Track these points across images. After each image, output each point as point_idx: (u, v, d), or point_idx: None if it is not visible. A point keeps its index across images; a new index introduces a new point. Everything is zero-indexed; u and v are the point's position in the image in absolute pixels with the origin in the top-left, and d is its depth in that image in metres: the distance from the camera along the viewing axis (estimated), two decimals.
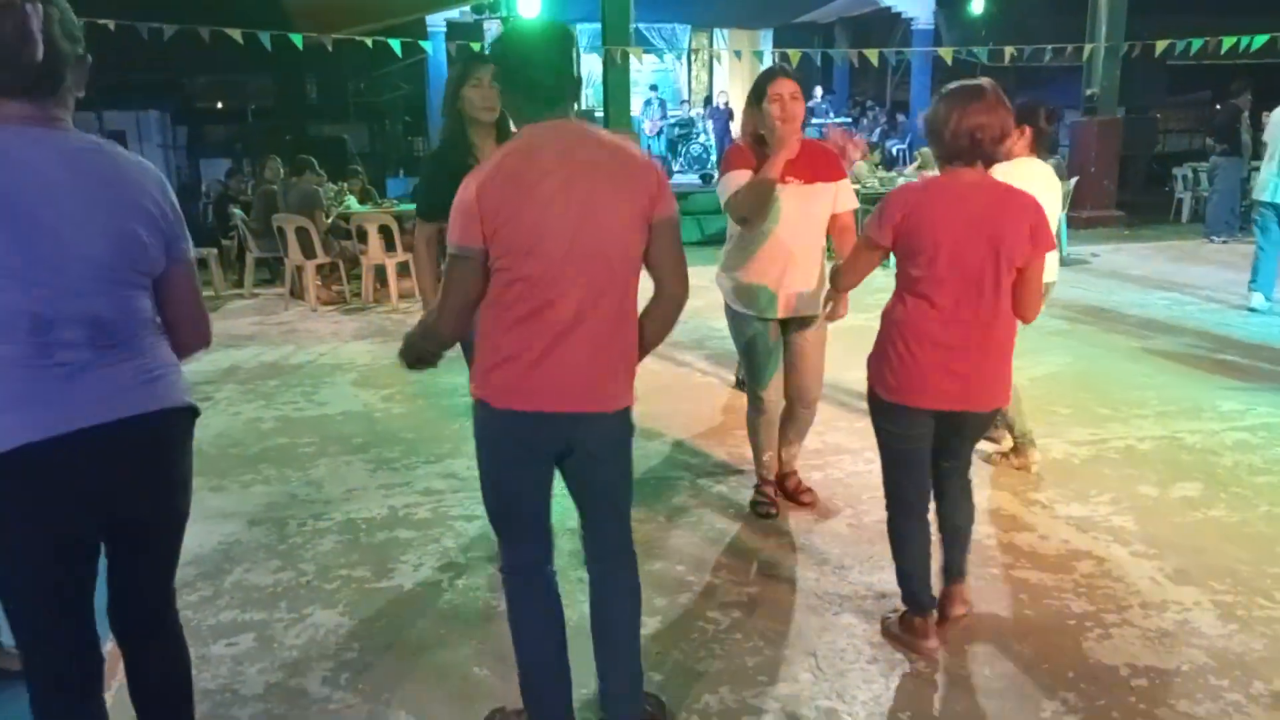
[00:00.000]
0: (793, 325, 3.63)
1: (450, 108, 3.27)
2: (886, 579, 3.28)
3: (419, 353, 2.32)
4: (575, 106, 2.19)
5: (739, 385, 5.57)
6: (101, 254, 1.77)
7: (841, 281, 2.94)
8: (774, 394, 3.69)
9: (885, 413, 2.74)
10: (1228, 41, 12.18)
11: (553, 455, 2.22)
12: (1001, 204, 2.56)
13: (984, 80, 2.61)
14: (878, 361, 2.73)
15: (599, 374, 2.14)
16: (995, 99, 2.54)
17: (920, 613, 2.82)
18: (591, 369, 2.12)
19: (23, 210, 1.69)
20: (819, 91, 18.04)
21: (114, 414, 1.79)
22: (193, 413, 1.99)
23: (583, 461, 2.23)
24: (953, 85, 2.64)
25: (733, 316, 3.67)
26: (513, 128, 2.35)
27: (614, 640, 2.34)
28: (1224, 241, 11.29)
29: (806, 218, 3.49)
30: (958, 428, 2.75)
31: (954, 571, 2.94)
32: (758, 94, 3.42)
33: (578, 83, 2.16)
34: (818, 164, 3.50)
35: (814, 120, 16.43)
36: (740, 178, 3.42)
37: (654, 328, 2.24)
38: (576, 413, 2.15)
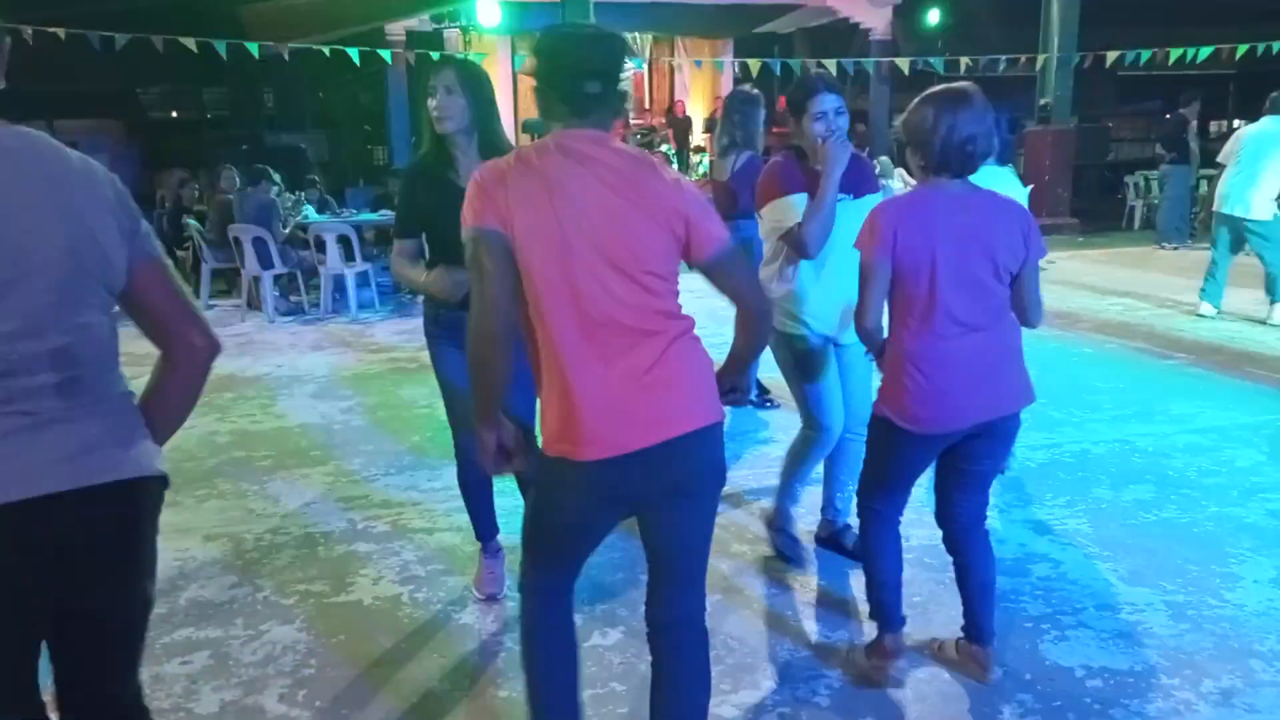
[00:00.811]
0: (849, 346, 3.24)
1: (424, 123, 3.16)
2: (853, 585, 3.30)
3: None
4: (613, 120, 2.02)
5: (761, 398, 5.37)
6: (61, 272, 1.47)
7: (866, 323, 2.59)
8: (839, 420, 3.31)
9: (908, 443, 2.58)
10: (1175, 53, 12.48)
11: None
12: (993, 213, 2.50)
13: (968, 85, 2.50)
14: (895, 394, 2.55)
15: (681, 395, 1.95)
16: (983, 105, 2.45)
17: (892, 630, 2.75)
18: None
19: None
20: (782, 101, 18.17)
21: (82, 479, 1.49)
22: (164, 483, 1.69)
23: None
24: (937, 90, 2.50)
25: (788, 342, 3.27)
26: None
27: None
28: (1175, 248, 11.53)
29: (841, 234, 3.06)
30: (989, 433, 2.59)
31: (987, 632, 2.77)
32: (797, 108, 3.15)
33: (622, 96, 2.02)
34: (863, 176, 3.26)
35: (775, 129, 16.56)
36: (801, 204, 3.09)
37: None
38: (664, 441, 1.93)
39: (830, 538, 3.57)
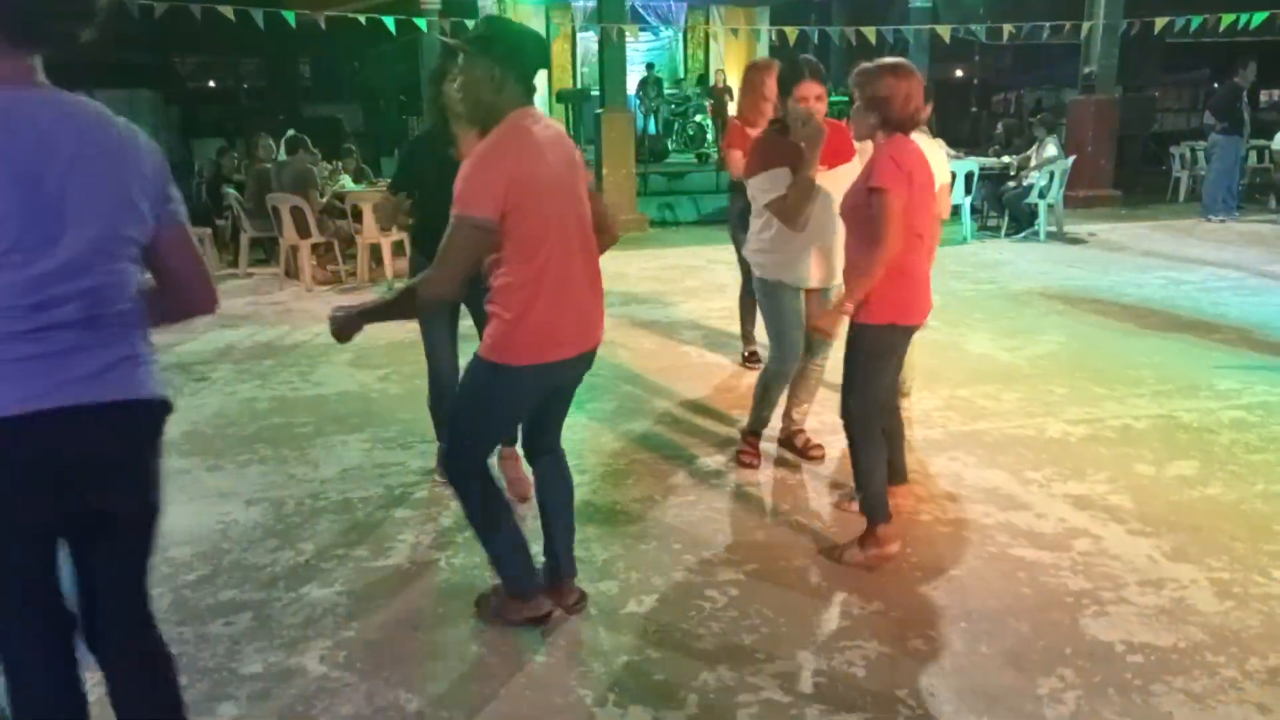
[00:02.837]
0: (816, 292, 3.89)
1: (433, 103, 3.42)
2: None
3: (349, 326, 2.60)
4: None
5: (746, 361, 5.59)
6: (105, 227, 1.70)
7: (894, 254, 3.05)
8: (799, 360, 3.96)
9: (901, 336, 3.21)
10: (1227, 19, 12.11)
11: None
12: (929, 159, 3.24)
13: (902, 59, 3.17)
14: (896, 301, 3.11)
15: (599, 314, 2.74)
16: (921, 77, 3.15)
17: (885, 519, 3.23)
18: (596, 311, 2.70)
19: (28, 176, 1.61)
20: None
21: (100, 395, 1.72)
22: (167, 408, 1.90)
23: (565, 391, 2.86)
24: (890, 61, 3.11)
25: (767, 287, 3.87)
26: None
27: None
28: (1221, 220, 11.27)
29: (832, 201, 3.55)
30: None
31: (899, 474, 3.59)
32: (784, 89, 3.66)
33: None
34: (837, 146, 3.70)
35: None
36: (779, 177, 3.61)
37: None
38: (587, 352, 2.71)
39: (786, 440, 4.26)
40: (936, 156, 3.79)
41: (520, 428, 2.97)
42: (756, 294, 4.04)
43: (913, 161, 3.07)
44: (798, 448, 4.19)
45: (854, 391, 3.22)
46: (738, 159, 4.75)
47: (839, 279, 3.64)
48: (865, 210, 3.07)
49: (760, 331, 4.71)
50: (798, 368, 4.00)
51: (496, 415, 2.71)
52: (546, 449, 2.96)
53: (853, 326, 3.17)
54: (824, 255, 3.77)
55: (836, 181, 3.55)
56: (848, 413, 3.24)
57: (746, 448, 4.14)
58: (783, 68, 3.78)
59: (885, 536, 3.23)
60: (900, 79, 3.05)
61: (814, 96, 3.59)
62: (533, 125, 2.52)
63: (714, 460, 4.21)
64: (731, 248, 5.37)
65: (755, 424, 4.14)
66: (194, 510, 3.77)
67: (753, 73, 4.95)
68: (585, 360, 2.72)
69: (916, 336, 3.37)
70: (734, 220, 5.23)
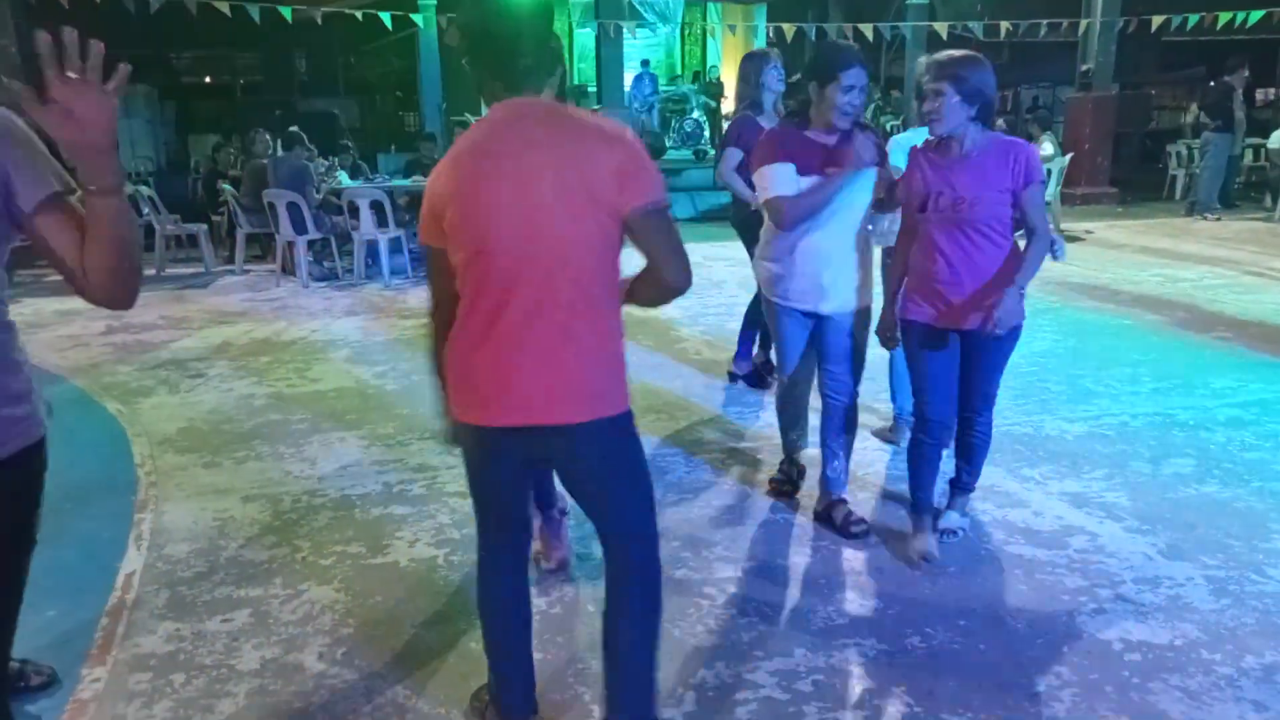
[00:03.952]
0: (831, 317, 3.37)
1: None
2: (883, 557, 3.30)
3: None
4: (552, 86, 2.00)
5: (733, 378, 5.35)
6: None
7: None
8: (802, 385, 3.62)
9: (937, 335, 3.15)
10: (1224, 17, 12.13)
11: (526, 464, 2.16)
12: None
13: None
14: (918, 298, 3.11)
15: (569, 383, 1.97)
16: None
17: (925, 513, 3.29)
18: (562, 378, 1.97)
19: None
20: None
21: None
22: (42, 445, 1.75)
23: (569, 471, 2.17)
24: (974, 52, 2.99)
25: (768, 305, 3.50)
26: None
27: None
28: (1217, 218, 11.30)
29: (850, 207, 3.25)
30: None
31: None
32: (822, 75, 3.13)
33: (555, 58, 1.99)
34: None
35: None
36: (784, 174, 3.19)
37: (643, 296, 2.07)
38: (540, 425, 1.99)
39: (824, 512, 3.52)
40: None
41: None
42: (765, 315, 3.63)
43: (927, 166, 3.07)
44: (836, 524, 3.45)
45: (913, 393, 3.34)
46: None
47: (852, 305, 3.34)
48: (1001, 210, 2.96)
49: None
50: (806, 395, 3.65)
51: (470, 477, 2.21)
52: (610, 536, 2.20)
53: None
54: (832, 275, 3.29)
55: (859, 190, 3.24)
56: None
57: (778, 475, 3.84)
58: (824, 53, 3.30)
59: (919, 527, 3.30)
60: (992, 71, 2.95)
61: (860, 87, 3.13)
62: (491, 130, 1.95)
63: (711, 457, 4.22)
64: (730, 245, 5.33)
65: (784, 446, 3.82)
66: (191, 507, 3.77)
67: (749, 62, 4.85)
68: (546, 435, 2.00)
69: None
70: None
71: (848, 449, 3.52)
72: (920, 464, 3.27)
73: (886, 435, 4.32)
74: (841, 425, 3.47)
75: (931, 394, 3.20)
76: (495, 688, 2.38)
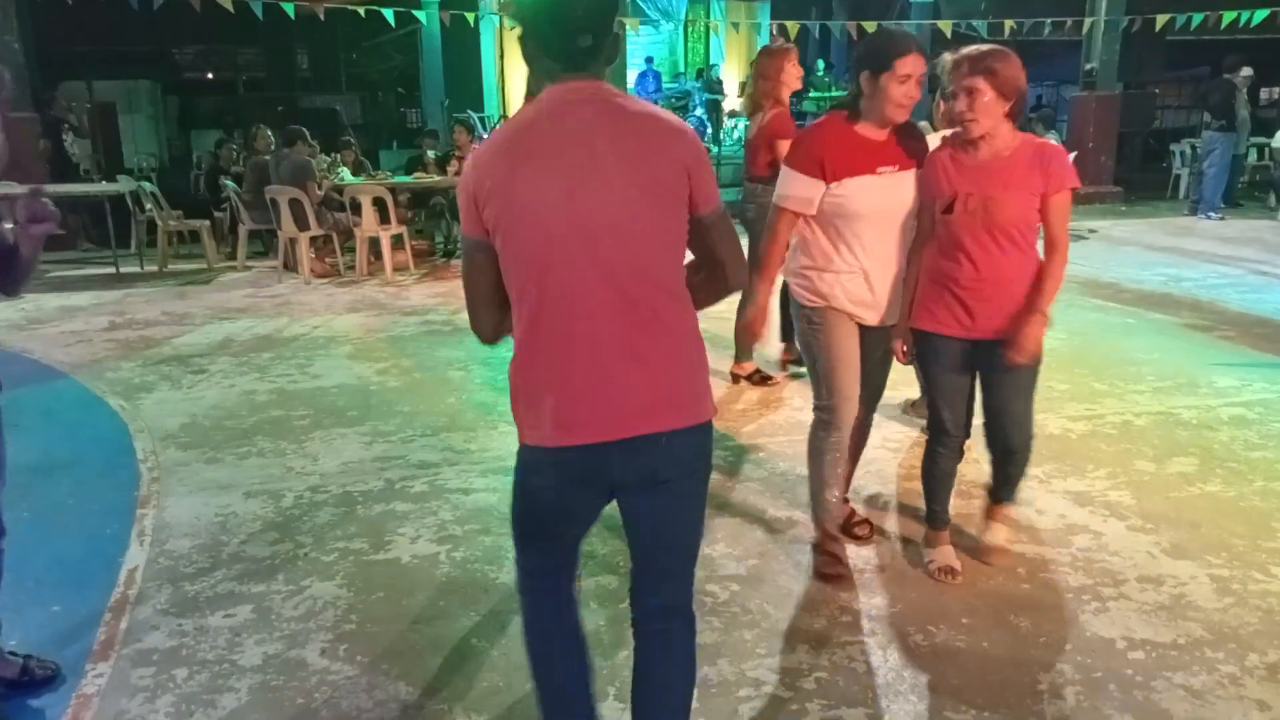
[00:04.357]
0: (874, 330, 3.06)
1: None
2: (885, 554, 3.29)
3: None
4: (607, 76, 1.81)
5: (735, 379, 5.25)
6: None
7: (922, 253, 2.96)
8: (852, 407, 3.05)
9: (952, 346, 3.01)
10: (1228, 16, 12.10)
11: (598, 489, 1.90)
12: None
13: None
14: (932, 306, 2.97)
15: (651, 390, 1.78)
16: None
17: (942, 527, 3.22)
18: (641, 386, 1.77)
19: None
20: (821, 64, 17.94)
21: None
22: None
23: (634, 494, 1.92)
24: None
25: (806, 316, 3.03)
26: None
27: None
28: (1220, 217, 11.27)
29: (894, 210, 2.91)
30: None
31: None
32: (876, 64, 2.78)
33: (616, 43, 1.79)
34: (911, 145, 2.93)
35: (813, 93, 16.33)
36: (806, 188, 2.87)
37: (700, 298, 1.92)
38: (636, 437, 1.79)
39: (843, 524, 3.37)
40: None
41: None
42: (796, 328, 3.14)
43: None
44: (841, 523, 3.35)
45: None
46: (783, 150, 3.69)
47: (893, 318, 3.03)
48: (1030, 214, 2.81)
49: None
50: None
51: (518, 507, 1.95)
52: (648, 602, 1.98)
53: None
54: (879, 281, 2.96)
55: (900, 189, 2.90)
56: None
57: (825, 556, 3.17)
58: (878, 39, 3.05)
59: (937, 538, 3.24)
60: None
61: (918, 77, 2.77)
62: (544, 113, 1.74)
63: (714, 456, 4.20)
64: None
65: (818, 513, 3.19)
66: (193, 503, 3.77)
67: (768, 58, 4.77)
68: (626, 451, 1.80)
69: None
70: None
71: (856, 455, 3.41)
72: (938, 476, 3.16)
73: (920, 410, 4.24)
74: (860, 448, 3.38)
75: (951, 408, 3.05)
76: None
